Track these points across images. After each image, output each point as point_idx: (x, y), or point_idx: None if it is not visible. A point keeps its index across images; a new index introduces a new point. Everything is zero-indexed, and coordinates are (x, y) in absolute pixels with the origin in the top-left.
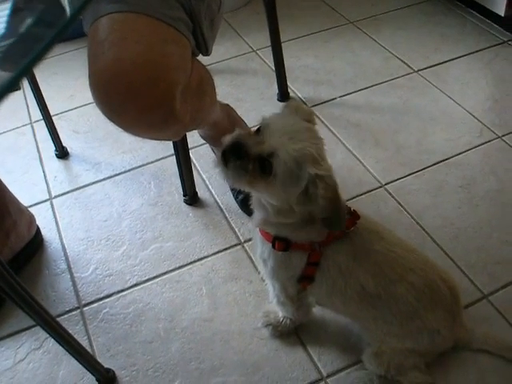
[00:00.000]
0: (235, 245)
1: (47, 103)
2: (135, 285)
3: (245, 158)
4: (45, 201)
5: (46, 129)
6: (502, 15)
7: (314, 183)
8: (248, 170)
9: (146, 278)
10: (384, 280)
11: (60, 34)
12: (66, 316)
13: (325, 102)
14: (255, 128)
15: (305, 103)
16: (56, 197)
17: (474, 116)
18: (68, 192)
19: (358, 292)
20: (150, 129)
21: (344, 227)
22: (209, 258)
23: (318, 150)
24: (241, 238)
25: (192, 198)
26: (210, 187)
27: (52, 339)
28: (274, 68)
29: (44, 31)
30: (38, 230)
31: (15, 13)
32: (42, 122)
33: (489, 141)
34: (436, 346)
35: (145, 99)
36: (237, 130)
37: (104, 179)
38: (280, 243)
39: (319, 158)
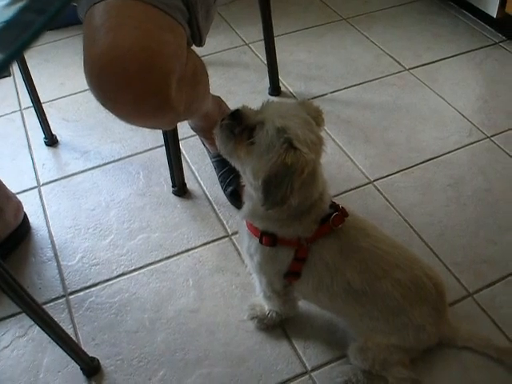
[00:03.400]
0: (223, 237)
1: (37, 90)
2: (122, 274)
3: (237, 122)
4: (33, 188)
5: (35, 116)
6: (494, 17)
7: (287, 150)
8: (235, 133)
9: (133, 267)
10: (370, 276)
11: (50, 20)
12: (51, 304)
13: (316, 98)
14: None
15: (295, 98)
16: (44, 184)
17: (463, 115)
18: (56, 180)
19: (345, 288)
20: (145, 116)
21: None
22: (196, 250)
23: (308, 137)
24: (228, 230)
25: (181, 189)
26: (198, 179)
27: (37, 327)
28: (266, 62)
29: (34, 17)
30: (26, 217)
31: None
32: (32, 109)
33: (478, 141)
34: (421, 342)
35: (140, 86)
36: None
37: (93, 168)
38: (267, 238)
39: (304, 141)
